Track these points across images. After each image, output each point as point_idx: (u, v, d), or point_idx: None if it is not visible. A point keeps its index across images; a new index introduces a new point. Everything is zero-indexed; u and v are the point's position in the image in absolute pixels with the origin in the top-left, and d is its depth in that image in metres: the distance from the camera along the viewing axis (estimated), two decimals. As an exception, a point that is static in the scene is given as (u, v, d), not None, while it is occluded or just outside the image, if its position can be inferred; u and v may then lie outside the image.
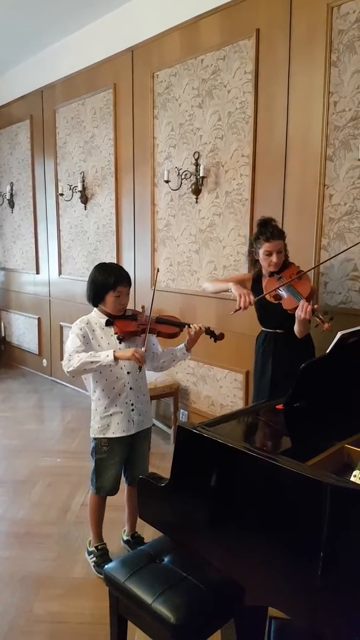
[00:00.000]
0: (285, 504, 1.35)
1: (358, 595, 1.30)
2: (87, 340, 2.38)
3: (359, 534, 1.27)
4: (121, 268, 2.48)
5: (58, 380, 5.80)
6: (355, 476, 1.29)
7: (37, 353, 6.14)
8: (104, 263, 2.55)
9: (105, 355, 2.23)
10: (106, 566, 1.78)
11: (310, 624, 1.36)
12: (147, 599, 1.59)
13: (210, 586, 1.63)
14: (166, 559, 1.76)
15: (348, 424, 1.74)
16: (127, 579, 1.67)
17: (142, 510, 1.76)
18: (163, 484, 1.64)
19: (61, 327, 5.63)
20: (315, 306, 2.49)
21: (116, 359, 2.23)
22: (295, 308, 2.51)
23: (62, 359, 5.69)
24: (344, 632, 1.31)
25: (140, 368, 2.34)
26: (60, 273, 5.55)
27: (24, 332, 6.37)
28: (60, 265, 5.54)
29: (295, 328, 2.61)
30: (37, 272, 5.98)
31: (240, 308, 2.65)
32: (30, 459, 3.80)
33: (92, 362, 2.23)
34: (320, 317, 2.41)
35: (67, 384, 5.64)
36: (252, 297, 2.66)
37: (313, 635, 1.86)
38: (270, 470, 1.36)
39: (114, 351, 2.25)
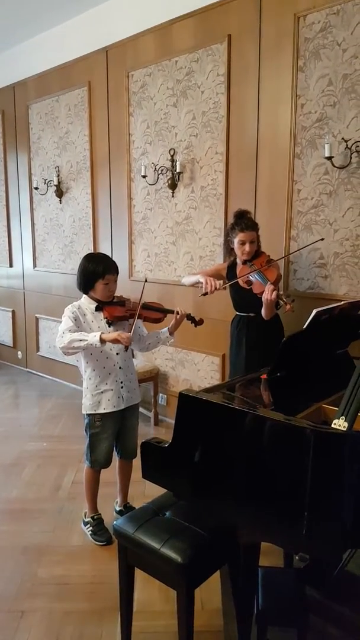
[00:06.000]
0: (274, 451, 1.59)
1: (336, 525, 1.55)
2: (79, 323, 2.58)
3: (339, 473, 1.53)
4: (109, 258, 2.68)
5: (34, 372, 5.92)
6: (334, 424, 1.55)
7: (11, 345, 6.22)
8: (93, 253, 2.75)
9: (93, 336, 2.42)
10: (115, 522, 1.99)
11: (298, 551, 1.61)
12: (156, 545, 1.81)
13: (208, 532, 1.87)
14: (167, 513, 1.99)
15: (324, 388, 2.01)
16: (135, 530, 1.89)
17: (146, 471, 1.97)
18: (166, 445, 1.86)
19: (37, 319, 5.74)
20: (281, 292, 2.79)
21: (102, 340, 2.42)
22: (263, 292, 2.79)
23: (38, 350, 5.83)
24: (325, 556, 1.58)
25: (126, 348, 2.52)
26: (35, 266, 5.66)
27: (-3, 325, 6.44)
28: (35, 258, 5.65)
29: (262, 311, 2.89)
30: (11, 265, 6.05)
31: (206, 292, 2.97)
32: (16, 444, 3.95)
33: (80, 340, 2.43)
34: (284, 299, 2.72)
35: (44, 375, 5.77)
36: (217, 283, 2.98)
37: (295, 577, 2.14)
38: (260, 423, 1.60)
39: (101, 333, 2.44)
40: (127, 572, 1.98)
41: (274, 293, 2.72)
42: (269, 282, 2.79)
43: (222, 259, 3.58)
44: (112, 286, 2.63)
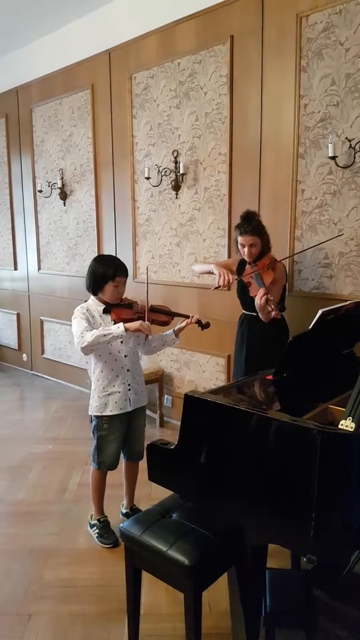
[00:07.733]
0: (281, 452, 1.58)
1: (344, 526, 1.55)
2: (89, 324, 2.57)
3: (346, 474, 1.52)
4: (119, 260, 2.68)
5: (39, 374, 5.93)
6: (341, 424, 1.54)
7: (16, 348, 6.23)
8: (103, 255, 2.75)
9: (116, 328, 2.43)
10: (121, 524, 1.98)
11: (305, 553, 1.60)
12: (163, 547, 1.81)
13: (215, 534, 1.86)
14: (174, 515, 1.99)
15: (330, 388, 2.00)
16: (142, 533, 1.89)
17: (152, 473, 1.96)
18: (172, 447, 1.86)
19: (42, 322, 5.75)
20: (271, 298, 2.73)
21: (126, 329, 2.43)
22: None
23: (43, 353, 5.83)
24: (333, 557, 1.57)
25: (146, 337, 2.61)
26: (39, 268, 5.67)
27: (2, 327, 6.44)
28: (39, 260, 5.66)
29: (259, 313, 2.89)
30: (15, 268, 6.07)
31: (219, 285, 2.95)
32: (22, 447, 3.95)
33: (104, 334, 2.42)
34: (272, 306, 2.70)
35: (49, 377, 5.77)
36: (231, 276, 2.96)
37: (303, 578, 2.13)
38: (267, 424, 1.59)
39: (123, 323, 2.45)
40: (134, 575, 1.98)
41: (264, 298, 2.71)
42: (262, 287, 2.78)
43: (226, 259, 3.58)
44: (121, 288, 2.63)
